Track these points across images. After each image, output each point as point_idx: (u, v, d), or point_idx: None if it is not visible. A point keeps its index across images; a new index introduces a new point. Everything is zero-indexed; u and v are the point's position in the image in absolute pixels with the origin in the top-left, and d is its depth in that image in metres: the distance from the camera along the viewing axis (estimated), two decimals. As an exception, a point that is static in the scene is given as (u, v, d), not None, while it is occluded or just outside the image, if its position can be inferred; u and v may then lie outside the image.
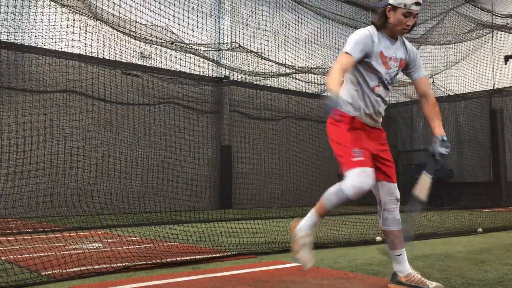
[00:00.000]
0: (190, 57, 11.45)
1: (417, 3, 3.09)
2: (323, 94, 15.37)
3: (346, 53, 3.10)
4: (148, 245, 5.55)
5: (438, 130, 3.37)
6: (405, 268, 3.25)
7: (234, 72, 13.31)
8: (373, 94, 3.22)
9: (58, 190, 9.58)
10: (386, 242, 3.37)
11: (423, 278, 3.21)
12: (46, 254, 4.47)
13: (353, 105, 3.22)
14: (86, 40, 9.71)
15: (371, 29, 3.21)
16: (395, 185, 3.38)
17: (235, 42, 12.32)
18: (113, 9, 9.31)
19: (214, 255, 4.61)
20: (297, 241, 3.15)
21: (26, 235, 6.28)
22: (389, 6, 3.12)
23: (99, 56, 10.82)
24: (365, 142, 3.18)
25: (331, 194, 3.11)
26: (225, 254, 4.73)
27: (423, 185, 3.26)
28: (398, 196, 3.35)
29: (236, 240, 5.61)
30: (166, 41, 10.40)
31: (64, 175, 10.02)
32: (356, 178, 3.03)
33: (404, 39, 3.35)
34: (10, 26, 9.73)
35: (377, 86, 3.22)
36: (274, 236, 6.22)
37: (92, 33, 9.88)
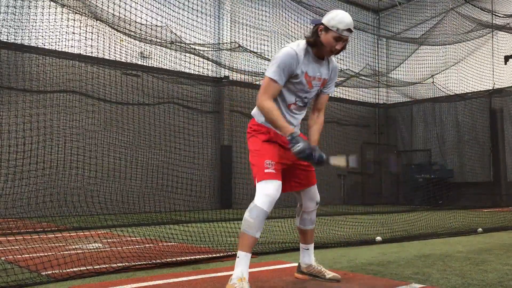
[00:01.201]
0: (190, 57, 11.46)
1: (349, 30, 3.14)
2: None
3: (272, 79, 3.15)
4: (148, 245, 5.55)
5: (316, 141, 3.46)
6: (309, 261, 3.59)
7: (234, 72, 13.31)
8: (288, 111, 3.30)
9: (58, 190, 9.58)
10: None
11: (322, 269, 3.56)
12: (46, 254, 4.47)
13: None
14: (86, 40, 9.71)
15: (298, 46, 3.21)
16: (315, 187, 3.55)
17: (235, 42, 12.32)
18: (113, 9, 9.31)
19: (214, 255, 4.61)
20: None
21: (26, 235, 6.28)
22: (321, 26, 3.16)
23: (99, 56, 10.82)
24: (279, 154, 3.24)
25: (245, 219, 3.09)
26: (225, 254, 4.73)
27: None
28: (318, 200, 3.57)
29: (236, 240, 5.61)
30: (166, 41, 10.40)
31: (64, 175, 10.01)
32: (267, 189, 3.10)
33: (331, 58, 3.40)
34: (10, 26, 9.73)
35: (293, 104, 3.30)
36: (274, 236, 6.22)
37: (92, 33, 9.88)
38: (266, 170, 3.14)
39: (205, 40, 13.00)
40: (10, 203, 7.69)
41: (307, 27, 12.37)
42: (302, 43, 3.25)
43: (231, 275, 3.09)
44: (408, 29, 15.98)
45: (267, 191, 3.08)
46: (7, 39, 9.84)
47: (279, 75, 3.15)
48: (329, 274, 3.53)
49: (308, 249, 3.60)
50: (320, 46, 3.19)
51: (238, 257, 3.08)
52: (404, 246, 5.48)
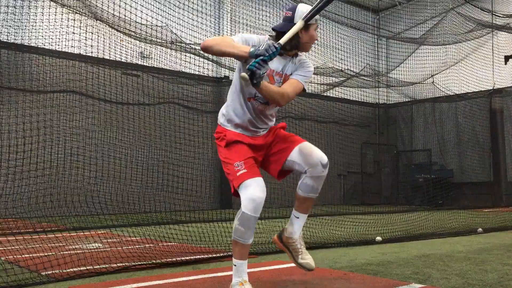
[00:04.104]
0: (190, 57, 11.45)
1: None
2: (323, 94, 15.37)
3: (231, 37, 3.06)
4: (148, 245, 5.55)
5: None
6: (293, 232, 3.29)
7: (234, 72, 13.29)
8: (249, 104, 3.14)
9: (58, 190, 9.57)
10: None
11: (300, 249, 3.27)
12: (46, 254, 4.47)
13: (226, 116, 3.22)
14: (86, 40, 9.71)
15: (264, 38, 3.09)
16: (308, 146, 3.19)
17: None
18: (113, 9, 9.31)
19: (214, 255, 4.62)
20: None
21: (26, 235, 6.28)
22: None
23: (99, 56, 10.82)
24: (244, 151, 3.10)
25: (235, 227, 3.00)
26: (225, 254, 4.73)
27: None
28: (324, 160, 3.14)
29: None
30: (166, 41, 10.40)
31: (64, 175, 10.01)
32: (248, 191, 2.94)
33: (300, 54, 3.25)
34: (10, 26, 9.72)
35: (253, 98, 3.14)
36: (274, 236, 6.21)
37: (92, 33, 9.88)
38: (238, 173, 3.00)
39: (205, 40, 12.97)
40: (10, 203, 7.69)
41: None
42: (270, 38, 3.13)
43: (231, 275, 3.08)
44: (408, 29, 15.99)
45: (250, 195, 2.91)
46: (7, 39, 9.84)
47: (238, 38, 3.03)
48: (303, 259, 3.28)
49: (298, 217, 3.31)
50: (303, 45, 3.14)
51: (235, 265, 3.01)
52: (404, 246, 5.48)
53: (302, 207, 3.29)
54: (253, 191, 2.93)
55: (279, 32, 3.11)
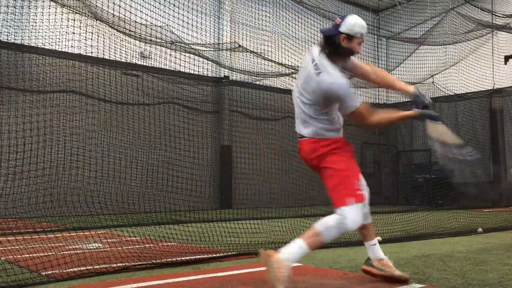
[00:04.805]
0: (190, 57, 11.45)
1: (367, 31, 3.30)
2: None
3: (360, 105, 3.25)
4: (148, 245, 5.55)
5: (410, 87, 3.60)
6: (378, 255, 3.49)
7: (234, 72, 13.30)
8: (339, 114, 3.46)
9: (58, 190, 9.57)
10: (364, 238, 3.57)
11: (392, 266, 3.45)
12: (46, 254, 4.47)
13: (332, 128, 3.38)
14: (86, 40, 9.70)
15: (333, 68, 3.20)
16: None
17: (235, 42, 12.31)
18: (113, 9, 9.31)
19: (214, 255, 4.61)
20: (280, 272, 2.95)
21: (26, 235, 6.28)
22: (343, 35, 3.17)
23: (99, 56, 10.82)
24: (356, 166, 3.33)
25: (331, 228, 3.05)
26: (225, 254, 4.73)
27: (437, 131, 3.34)
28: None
29: (236, 240, 5.61)
30: (166, 41, 10.39)
31: (64, 175, 10.01)
32: (358, 213, 3.12)
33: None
34: (10, 26, 9.72)
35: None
36: (274, 236, 6.22)
37: (92, 33, 9.88)
38: (359, 192, 3.18)
39: (205, 40, 12.99)
40: (10, 203, 7.69)
41: (307, 27, 12.37)
42: (326, 62, 3.23)
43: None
44: (408, 29, 15.98)
45: (358, 216, 3.11)
46: (7, 39, 9.84)
47: (356, 97, 3.26)
48: (398, 272, 3.47)
49: (374, 244, 3.54)
50: (344, 53, 3.28)
51: (301, 247, 3.01)
52: (404, 246, 5.48)
53: (367, 235, 3.54)
54: (361, 216, 3.24)
55: (326, 36, 3.29)
